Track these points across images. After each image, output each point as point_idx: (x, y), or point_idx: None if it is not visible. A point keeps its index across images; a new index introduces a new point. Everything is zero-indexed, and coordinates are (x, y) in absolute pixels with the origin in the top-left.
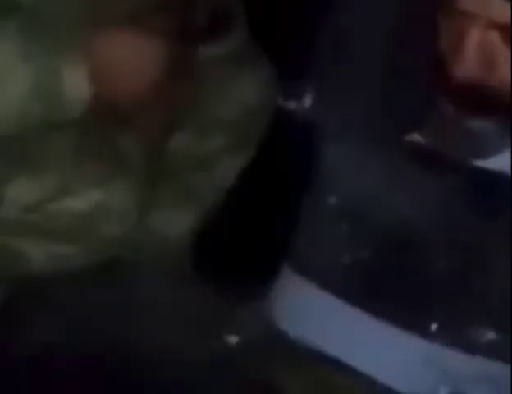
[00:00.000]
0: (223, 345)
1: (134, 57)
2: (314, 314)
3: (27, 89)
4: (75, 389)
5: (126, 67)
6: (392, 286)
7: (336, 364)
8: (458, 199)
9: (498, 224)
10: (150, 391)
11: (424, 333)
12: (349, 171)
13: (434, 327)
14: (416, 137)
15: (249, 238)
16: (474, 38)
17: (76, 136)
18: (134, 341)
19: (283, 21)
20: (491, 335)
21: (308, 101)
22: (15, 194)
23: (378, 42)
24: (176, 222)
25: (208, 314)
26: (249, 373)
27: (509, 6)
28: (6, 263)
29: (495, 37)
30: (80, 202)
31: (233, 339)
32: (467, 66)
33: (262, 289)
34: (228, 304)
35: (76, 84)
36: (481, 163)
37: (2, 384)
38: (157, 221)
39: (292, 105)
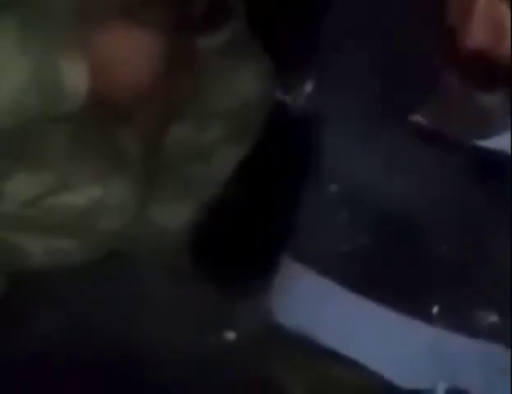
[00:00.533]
0: (221, 340)
1: (133, 51)
2: (314, 301)
3: (25, 83)
4: (73, 384)
5: (124, 61)
6: (393, 272)
7: (336, 357)
8: (459, 182)
9: (499, 206)
10: (148, 386)
11: (425, 318)
12: (349, 158)
13: (435, 311)
14: (418, 118)
15: (248, 230)
16: (482, 8)
17: (75, 131)
18: (133, 335)
19: (281, 13)
20: (492, 318)
21: (308, 88)
22: (13, 188)
23: (382, 18)
24: (175, 215)
25: (206, 310)
26: (247, 369)
27: None
28: (5, 257)
29: (502, 7)
30: (78, 197)
31: (231, 335)
32: (475, 36)
33: (262, 281)
34: (227, 300)
35: (75, 78)
36: (483, 143)
37: (1, 379)
38: (156, 214)
39: (290, 97)
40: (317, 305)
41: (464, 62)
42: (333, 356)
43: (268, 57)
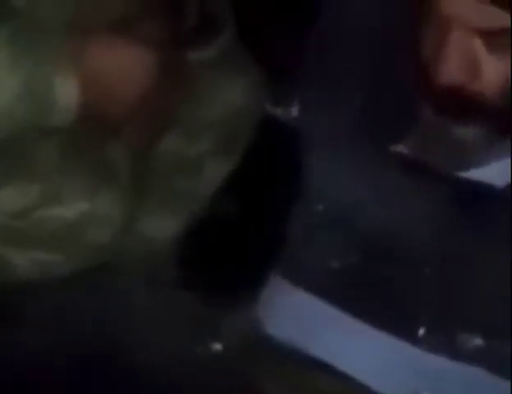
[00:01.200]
0: (208, 351)
1: (124, 65)
2: (302, 319)
3: (16, 96)
4: (60, 391)
5: (115, 76)
6: (380, 292)
7: (325, 369)
8: (443, 209)
9: (485, 232)
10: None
11: (411, 338)
12: (335, 179)
13: (421, 332)
14: (401, 148)
15: (235, 244)
16: (456, 44)
17: (64, 144)
18: (119, 346)
19: (271, 28)
20: (477, 341)
21: (294, 110)
22: (1, 200)
23: (364, 51)
24: (163, 226)
25: (193, 320)
26: (234, 379)
27: (491, 12)
28: None
29: (477, 43)
30: (67, 209)
31: (218, 346)
32: (449, 72)
33: (250, 294)
34: (214, 311)
35: (66, 92)
36: (466, 174)
37: None
38: (144, 225)
39: (279, 111)
40: (304, 321)
41: (437, 96)
42: (321, 367)
43: (258, 68)
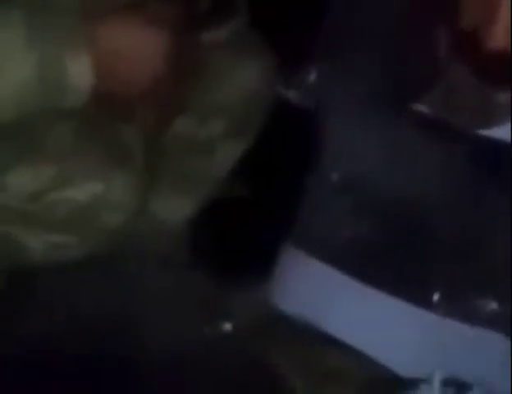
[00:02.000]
0: (220, 330)
1: (137, 47)
2: (315, 289)
3: (29, 77)
4: (73, 377)
5: (128, 57)
6: (394, 259)
7: (336, 345)
8: (460, 170)
9: (501, 195)
10: (147, 376)
11: (426, 305)
12: (351, 147)
13: (436, 298)
14: (421, 107)
15: (248, 221)
16: (506, 12)
17: (77, 126)
18: (131, 327)
19: (283, 8)
20: (493, 306)
21: (310, 79)
22: (16, 182)
23: (382, 15)
24: (176, 208)
25: (204, 301)
26: (245, 358)
27: None
28: (5, 252)
29: None
30: (80, 192)
31: (228, 326)
32: (499, 38)
33: (263, 270)
34: (225, 291)
35: (79, 73)
36: (486, 133)
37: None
38: (157, 208)
39: (293, 91)
40: (318, 292)
41: (483, 61)
42: (333, 343)
43: (271, 52)
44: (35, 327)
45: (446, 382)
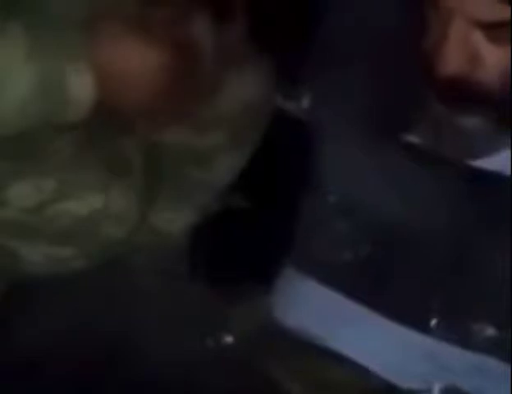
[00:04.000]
0: (220, 344)
1: (138, 61)
2: (315, 309)
3: (30, 90)
4: (71, 385)
5: (130, 73)
6: (392, 282)
7: (337, 359)
8: (455, 198)
9: (497, 221)
10: (148, 388)
11: (424, 328)
12: (348, 170)
13: (433, 322)
14: (411, 137)
15: (248, 237)
16: (457, 35)
17: (78, 139)
18: (132, 339)
19: (282, 22)
20: (490, 331)
21: (305, 102)
22: (15, 195)
23: (373, 42)
24: (175, 220)
25: (204, 313)
26: (245, 370)
27: (491, 5)
28: (5, 264)
29: (478, 35)
30: (80, 205)
31: (229, 338)
32: (450, 63)
33: (262, 287)
34: (226, 304)
35: (80, 87)
36: (477, 163)
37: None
38: (157, 219)
39: (291, 105)
40: (317, 312)
41: (440, 86)
42: (333, 358)
43: (269, 65)
44: (33, 336)
45: (445, 392)
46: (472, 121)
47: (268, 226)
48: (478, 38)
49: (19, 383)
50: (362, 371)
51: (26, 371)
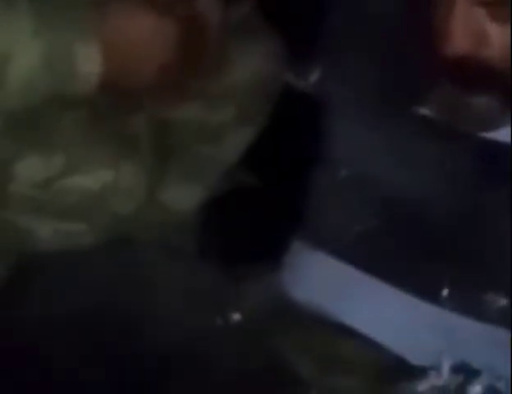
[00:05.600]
0: (229, 321)
1: (146, 34)
2: (325, 283)
3: (38, 64)
4: (76, 362)
5: (137, 45)
6: (404, 254)
7: (348, 334)
8: (466, 170)
9: (509, 193)
10: (158, 365)
11: (435, 300)
12: (358, 143)
13: (445, 293)
14: (424, 110)
15: (258, 213)
16: (460, 15)
17: (87, 115)
18: (140, 318)
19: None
20: (503, 302)
21: (314, 76)
22: (24, 170)
23: (383, 17)
24: (185, 197)
25: (214, 291)
26: (255, 347)
27: None
28: (14, 239)
29: (481, 14)
30: (89, 180)
31: (237, 316)
32: (454, 43)
33: (272, 263)
34: (235, 281)
35: (87, 60)
36: (490, 135)
37: (5, 358)
38: (166, 196)
39: (300, 81)
40: (328, 285)
41: (448, 66)
42: (343, 331)
43: (278, 40)
44: (42, 312)
45: (455, 369)
46: (481, 99)
47: (278, 202)
48: (481, 17)
49: (29, 365)
50: (373, 345)
51: (36, 353)
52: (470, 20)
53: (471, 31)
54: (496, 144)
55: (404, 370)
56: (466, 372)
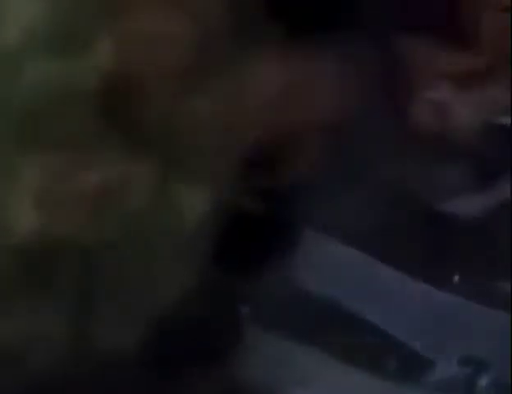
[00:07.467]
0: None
1: (162, 29)
2: (337, 270)
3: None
4: None
5: (153, 41)
6: (415, 240)
7: (355, 321)
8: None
9: None
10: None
11: (446, 287)
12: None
13: (456, 280)
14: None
15: (269, 203)
16: (424, 89)
17: (93, 110)
18: None
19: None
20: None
21: None
22: (30, 170)
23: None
24: (195, 194)
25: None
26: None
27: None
28: None
29: (446, 87)
30: (97, 178)
31: (247, 309)
32: (419, 116)
33: (283, 253)
34: (246, 273)
35: (99, 50)
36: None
37: None
38: (176, 195)
39: None
40: (338, 274)
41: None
42: (356, 321)
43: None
44: None
45: (463, 361)
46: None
47: (290, 193)
48: (446, 89)
49: None
50: (384, 336)
51: None
52: (434, 92)
53: (434, 105)
54: None
55: (411, 361)
56: (474, 364)
